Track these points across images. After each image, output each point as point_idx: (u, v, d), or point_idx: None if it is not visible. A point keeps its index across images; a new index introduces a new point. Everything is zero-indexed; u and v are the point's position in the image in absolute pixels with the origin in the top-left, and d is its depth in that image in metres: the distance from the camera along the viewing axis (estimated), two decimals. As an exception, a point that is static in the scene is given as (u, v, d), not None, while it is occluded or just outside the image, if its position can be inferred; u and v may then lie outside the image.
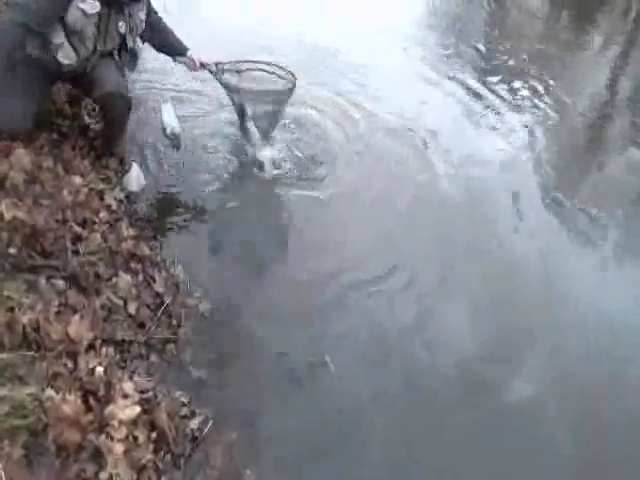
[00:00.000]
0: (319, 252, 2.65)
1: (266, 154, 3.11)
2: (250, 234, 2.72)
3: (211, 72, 2.94)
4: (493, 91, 4.68)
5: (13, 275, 1.83)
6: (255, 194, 2.96)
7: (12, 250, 1.90)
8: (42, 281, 1.86)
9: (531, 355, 2.34)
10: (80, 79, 2.56)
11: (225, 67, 2.96)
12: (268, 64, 3.07)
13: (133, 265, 2.18)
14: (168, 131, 2.80)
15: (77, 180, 2.39)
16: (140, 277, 2.16)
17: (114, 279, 2.06)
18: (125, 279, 2.07)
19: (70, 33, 2.33)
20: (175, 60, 2.93)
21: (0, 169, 2.14)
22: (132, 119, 2.83)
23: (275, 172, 3.08)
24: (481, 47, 5.70)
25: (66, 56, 2.38)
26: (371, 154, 3.48)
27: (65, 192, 2.28)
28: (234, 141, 3.28)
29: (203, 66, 2.90)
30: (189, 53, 2.87)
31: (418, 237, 2.86)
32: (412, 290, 2.51)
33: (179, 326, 2.03)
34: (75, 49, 2.38)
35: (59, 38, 2.33)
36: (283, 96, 2.98)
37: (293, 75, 2.98)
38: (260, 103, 2.97)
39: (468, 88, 4.68)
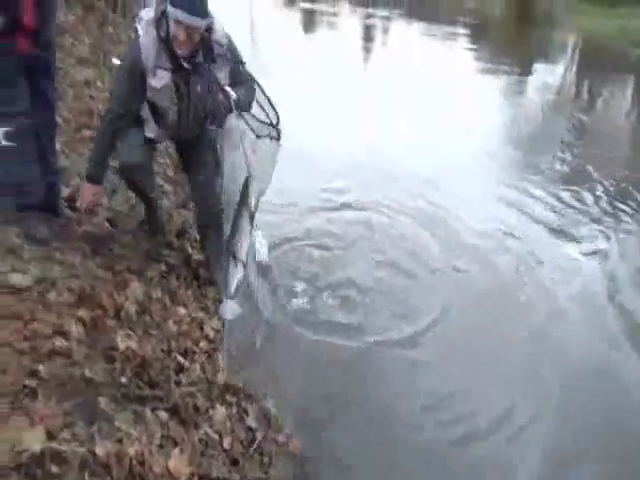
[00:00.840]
0: (417, 400, 2.60)
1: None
2: (344, 376, 2.68)
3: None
4: (579, 200, 4.84)
5: (123, 405, 1.94)
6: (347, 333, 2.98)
7: (123, 380, 2.05)
8: (148, 412, 1.96)
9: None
10: (182, 154, 2.89)
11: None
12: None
13: (228, 397, 2.26)
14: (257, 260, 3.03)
15: (181, 310, 2.59)
16: (234, 410, 2.22)
17: (210, 411, 2.13)
18: (221, 412, 2.14)
19: (152, 107, 2.55)
20: None
21: (118, 301, 2.38)
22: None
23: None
24: (561, 155, 5.89)
25: (150, 129, 2.62)
26: (469, 271, 3.58)
27: (170, 322, 2.47)
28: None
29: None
30: None
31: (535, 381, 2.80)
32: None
33: (270, 464, 2.05)
34: (158, 122, 2.59)
35: (145, 113, 2.59)
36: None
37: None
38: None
39: (551, 197, 4.86)
